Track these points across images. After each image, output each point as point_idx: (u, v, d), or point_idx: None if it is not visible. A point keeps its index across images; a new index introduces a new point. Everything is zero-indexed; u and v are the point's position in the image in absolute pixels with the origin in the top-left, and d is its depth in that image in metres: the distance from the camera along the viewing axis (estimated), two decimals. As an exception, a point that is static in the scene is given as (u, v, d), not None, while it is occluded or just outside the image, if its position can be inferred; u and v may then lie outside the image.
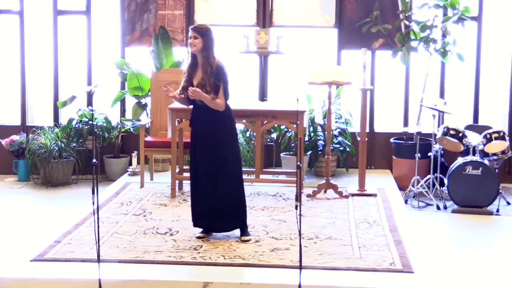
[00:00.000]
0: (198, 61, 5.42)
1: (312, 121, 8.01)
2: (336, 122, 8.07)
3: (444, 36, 7.92)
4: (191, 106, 5.57)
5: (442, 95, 8.36)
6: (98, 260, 4.42)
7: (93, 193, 4.26)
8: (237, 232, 5.59)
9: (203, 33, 5.35)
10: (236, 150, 5.58)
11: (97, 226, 4.26)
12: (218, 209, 5.45)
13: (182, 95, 5.52)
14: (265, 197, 6.99)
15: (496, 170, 7.23)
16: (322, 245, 5.44)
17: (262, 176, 7.23)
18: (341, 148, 8.00)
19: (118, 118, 8.56)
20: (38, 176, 8.20)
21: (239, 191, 5.53)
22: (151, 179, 7.57)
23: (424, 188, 7.35)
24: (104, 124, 8.37)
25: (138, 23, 8.47)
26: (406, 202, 7.28)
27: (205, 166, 5.45)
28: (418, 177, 7.38)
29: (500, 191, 7.16)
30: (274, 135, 8.33)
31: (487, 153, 7.22)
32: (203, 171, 5.46)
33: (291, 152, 8.17)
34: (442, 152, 7.57)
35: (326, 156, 7.14)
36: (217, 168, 5.42)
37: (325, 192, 7.13)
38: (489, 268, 5.48)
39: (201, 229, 5.63)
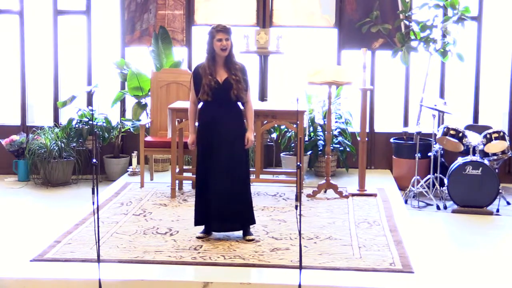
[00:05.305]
0: (219, 60, 5.43)
1: (312, 121, 8.01)
2: (336, 122, 8.07)
3: (444, 36, 7.92)
4: (200, 105, 5.56)
5: (442, 95, 8.36)
6: (98, 260, 4.42)
7: (93, 193, 4.26)
8: (237, 232, 5.59)
9: (231, 33, 5.43)
10: (248, 149, 5.65)
11: (97, 226, 4.26)
12: (232, 208, 5.43)
13: (205, 95, 5.40)
14: (265, 197, 6.99)
15: (496, 170, 7.23)
16: (322, 245, 5.44)
17: (262, 176, 7.24)
18: (341, 148, 8.00)
19: (118, 118, 8.56)
20: (38, 176, 8.20)
21: (249, 190, 5.58)
22: (151, 179, 7.57)
23: (424, 188, 7.35)
24: (104, 124, 8.36)
25: (138, 23, 8.47)
26: (406, 202, 7.28)
27: (224, 165, 5.41)
28: (418, 177, 7.38)
29: (500, 191, 7.16)
30: (274, 135, 8.33)
31: (487, 153, 7.22)
32: (221, 170, 5.41)
33: (291, 152, 8.17)
34: (442, 152, 7.57)
35: (326, 156, 7.14)
36: (234, 166, 5.43)
37: (325, 192, 7.13)
38: (489, 268, 5.48)
39: (202, 229, 5.59)
